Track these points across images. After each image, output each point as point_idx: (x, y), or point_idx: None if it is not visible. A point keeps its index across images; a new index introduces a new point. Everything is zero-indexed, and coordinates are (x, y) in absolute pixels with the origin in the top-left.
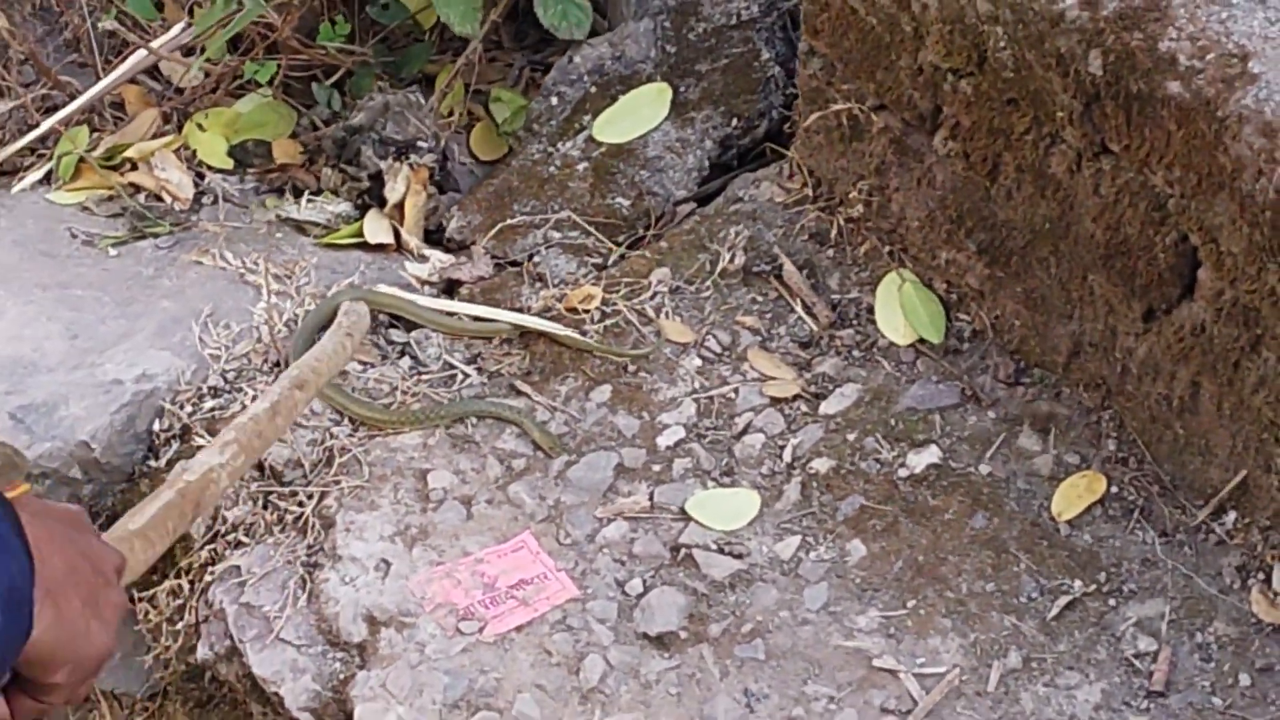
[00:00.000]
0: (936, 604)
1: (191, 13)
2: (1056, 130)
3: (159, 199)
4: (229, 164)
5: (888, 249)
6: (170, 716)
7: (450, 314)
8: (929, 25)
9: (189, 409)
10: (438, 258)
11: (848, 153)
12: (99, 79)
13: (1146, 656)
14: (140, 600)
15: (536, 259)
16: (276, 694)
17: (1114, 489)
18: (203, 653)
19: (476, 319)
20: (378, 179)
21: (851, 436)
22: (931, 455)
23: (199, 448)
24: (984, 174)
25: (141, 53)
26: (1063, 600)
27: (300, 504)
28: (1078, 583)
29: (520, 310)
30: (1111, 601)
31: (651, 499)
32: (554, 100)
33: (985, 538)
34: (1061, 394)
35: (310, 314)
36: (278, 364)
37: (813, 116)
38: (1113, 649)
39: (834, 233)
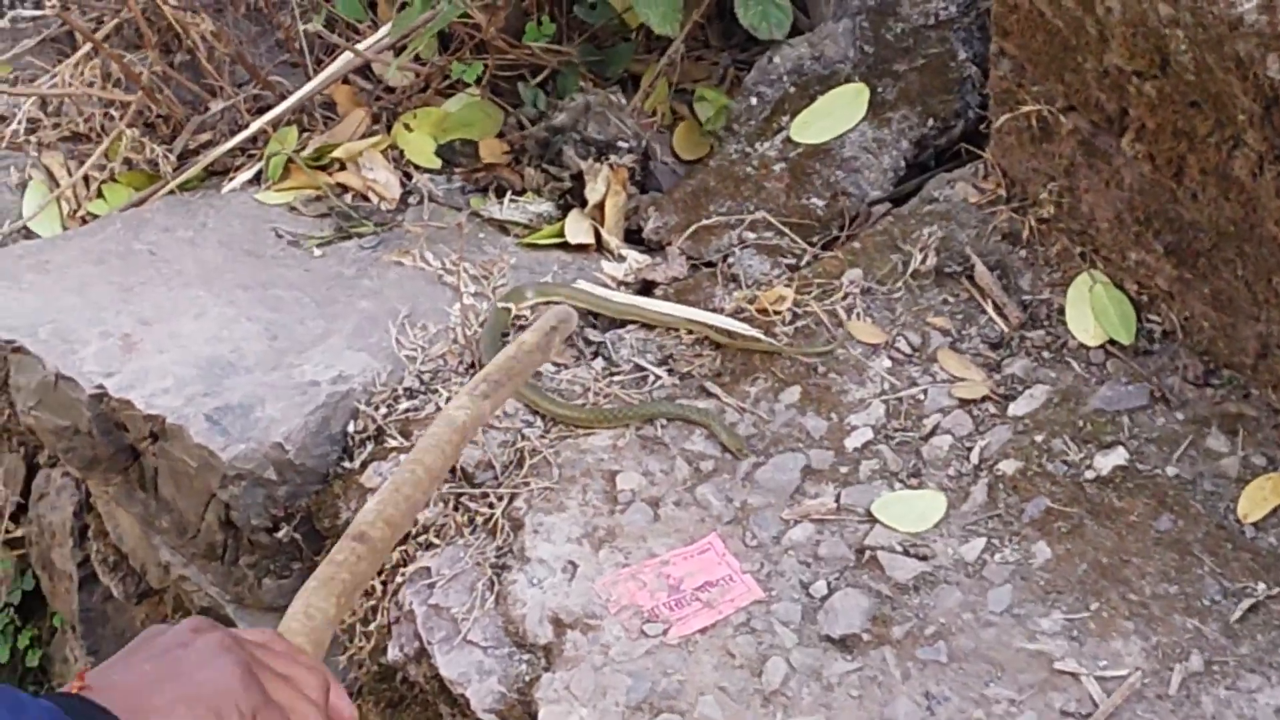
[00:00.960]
0: (1119, 606)
1: (401, 12)
2: (1238, 133)
3: (365, 199)
4: (436, 163)
5: (1079, 250)
6: (364, 715)
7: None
8: (1113, 28)
9: (384, 410)
10: (634, 258)
11: (1038, 154)
12: (309, 79)
13: None
14: None
15: (731, 259)
16: (463, 695)
17: None
18: (393, 654)
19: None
20: (579, 179)
21: (1039, 438)
22: (1119, 457)
23: (392, 449)
24: (1169, 176)
25: (349, 54)
26: (1246, 603)
27: (490, 505)
28: (1261, 585)
29: (715, 311)
30: None
31: (838, 501)
32: (754, 100)
33: (1170, 540)
34: (1250, 395)
35: (493, 312)
36: (472, 365)
37: (1004, 117)
38: None
39: (1026, 233)
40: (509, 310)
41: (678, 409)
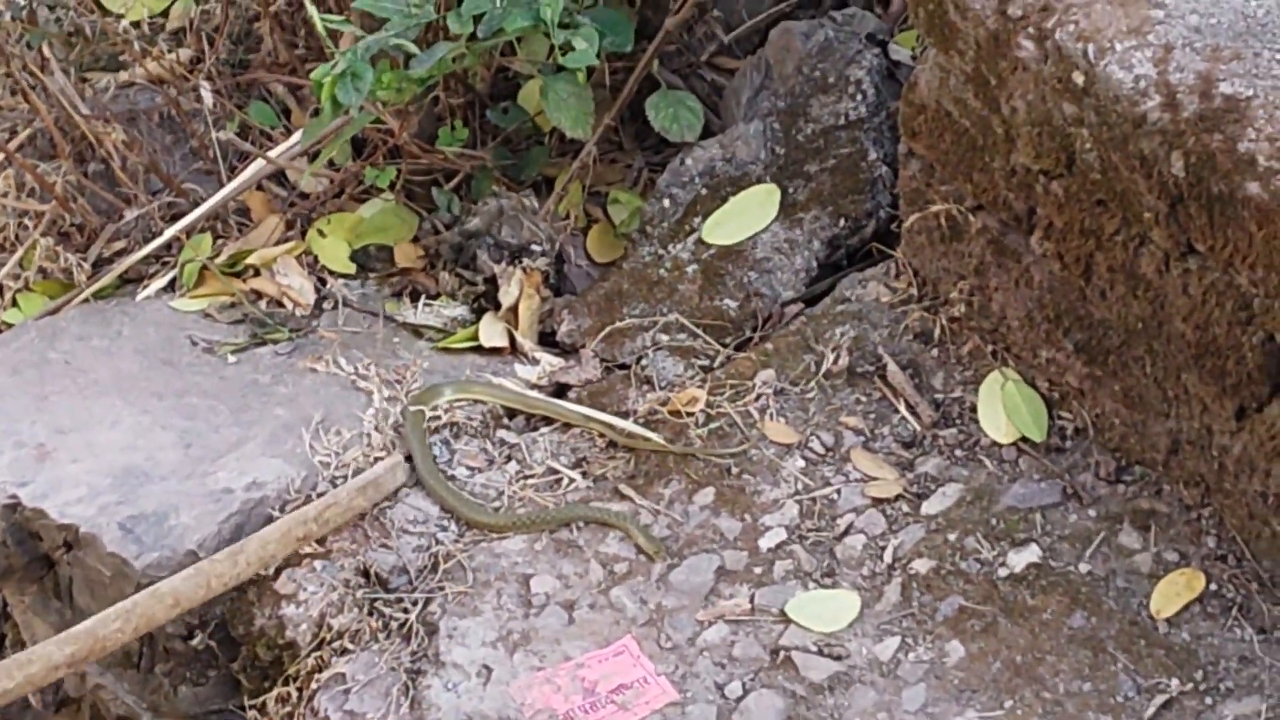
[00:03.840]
0: (1034, 705)
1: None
2: (1144, 231)
3: (280, 305)
4: (351, 269)
5: (990, 348)
6: None
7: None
8: (1019, 127)
9: None
10: (548, 360)
11: (949, 253)
12: (223, 186)
13: None
14: (250, 708)
15: (644, 362)
16: None
17: (1213, 586)
18: None
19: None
20: (493, 282)
21: (952, 536)
22: (1032, 554)
23: (306, 556)
24: (1078, 274)
25: (262, 160)
26: (1160, 699)
27: (405, 610)
28: (1175, 681)
29: (626, 414)
30: (1209, 700)
31: (752, 601)
32: (666, 202)
33: (1083, 637)
34: (1162, 491)
35: (410, 416)
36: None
37: (914, 217)
38: None
39: (937, 332)
40: (422, 413)
41: (593, 512)
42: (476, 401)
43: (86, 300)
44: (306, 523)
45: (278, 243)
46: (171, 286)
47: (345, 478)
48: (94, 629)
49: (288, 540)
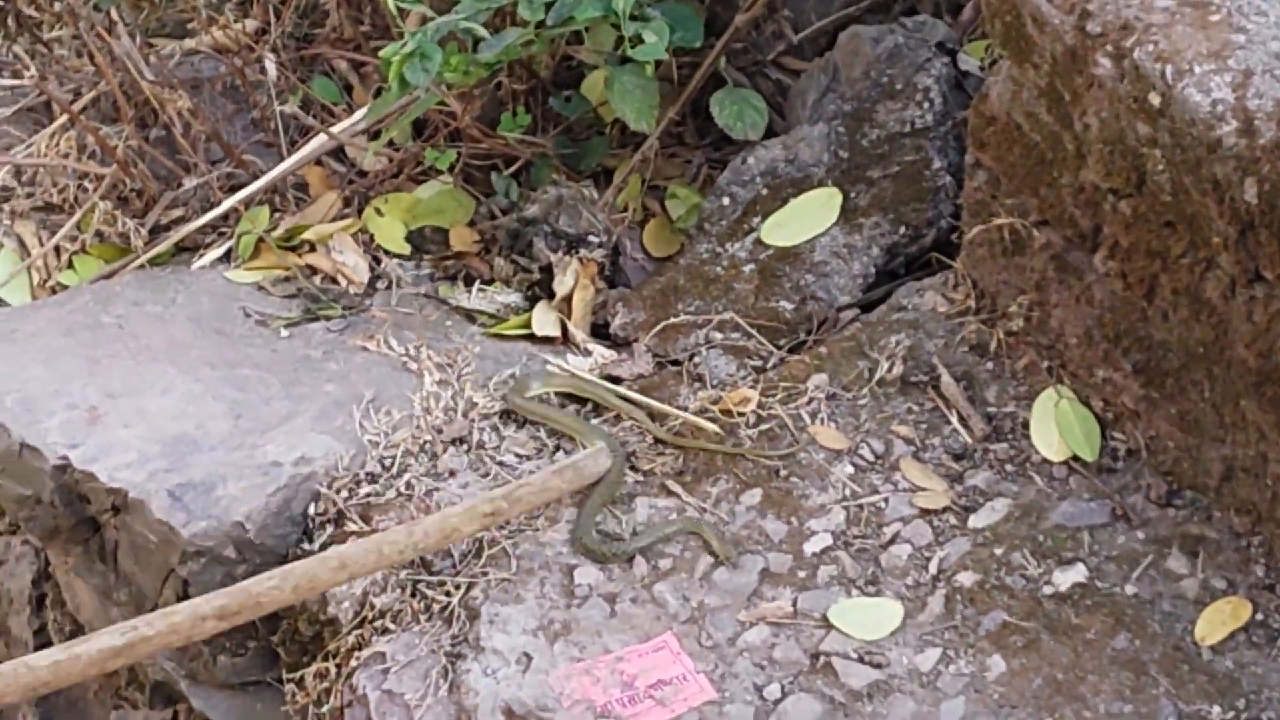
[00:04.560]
0: None
1: (377, 96)
2: (1212, 255)
3: (334, 281)
4: (406, 249)
5: (1046, 364)
6: None
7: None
8: (1090, 145)
9: (345, 494)
10: (600, 353)
11: (1010, 266)
12: (283, 160)
13: None
14: (288, 682)
15: (697, 359)
16: None
17: (1259, 615)
18: None
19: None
20: (548, 271)
21: (999, 551)
22: (1078, 574)
23: (352, 533)
24: (1141, 295)
25: (323, 136)
26: None
27: (448, 594)
28: (1216, 708)
29: (681, 409)
30: None
31: (795, 605)
32: (725, 200)
33: (1126, 659)
34: (1212, 517)
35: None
36: (435, 454)
37: (976, 229)
38: None
39: (994, 345)
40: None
41: (674, 527)
42: (559, 394)
43: (142, 266)
44: (494, 500)
45: (334, 219)
46: (227, 257)
47: (394, 458)
48: (249, 585)
49: (472, 516)
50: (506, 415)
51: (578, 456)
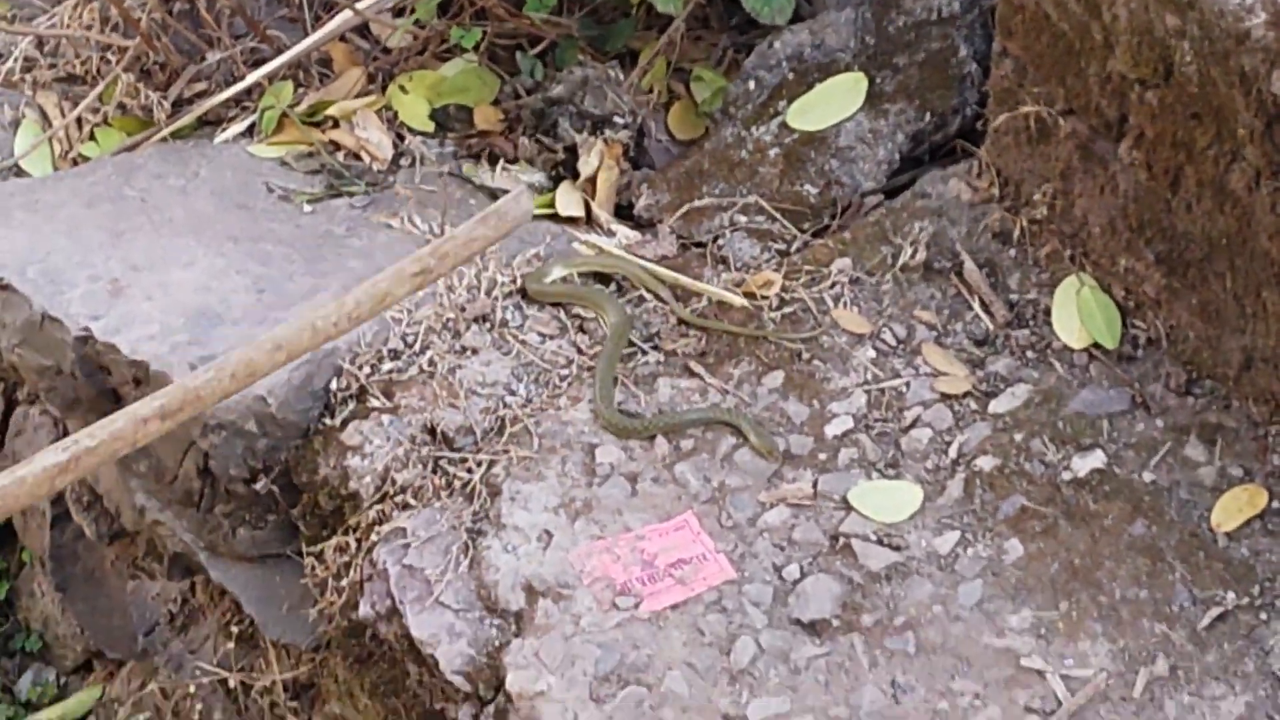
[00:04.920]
0: (1089, 608)
1: None
2: (1238, 147)
3: (358, 158)
4: (430, 127)
5: (1069, 252)
6: (331, 669)
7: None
8: (1118, 35)
9: (367, 370)
10: (624, 233)
11: (1035, 155)
12: (307, 35)
13: None
14: (308, 555)
15: (721, 241)
16: (432, 656)
17: (1275, 503)
18: (364, 610)
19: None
20: (573, 151)
21: (1018, 436)
22: (1096, 460)
23: (374, 409)
24: (1165, 185)
25: (348, 12)
26: (1215, 611)
27: (469, 470)
28: (1231, 595)
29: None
30: (1264, 615)
31: (815, 487)
32: (751, 84)
33: (1143, 545)
34: (1231, 406)
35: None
36: (458, 332)
37: (1002, 117)
38: (1261, 662)
39: (1017, 233)
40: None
41: (704, 413)
42: (582, 274)
43: (164, 139)
44: (421, 259)
45: (358, 96)
46: (250, 132)
47: (417, 335)
48: (186, 382)
49: (401, 279)
50: (527, 295)
51: (500, 203)
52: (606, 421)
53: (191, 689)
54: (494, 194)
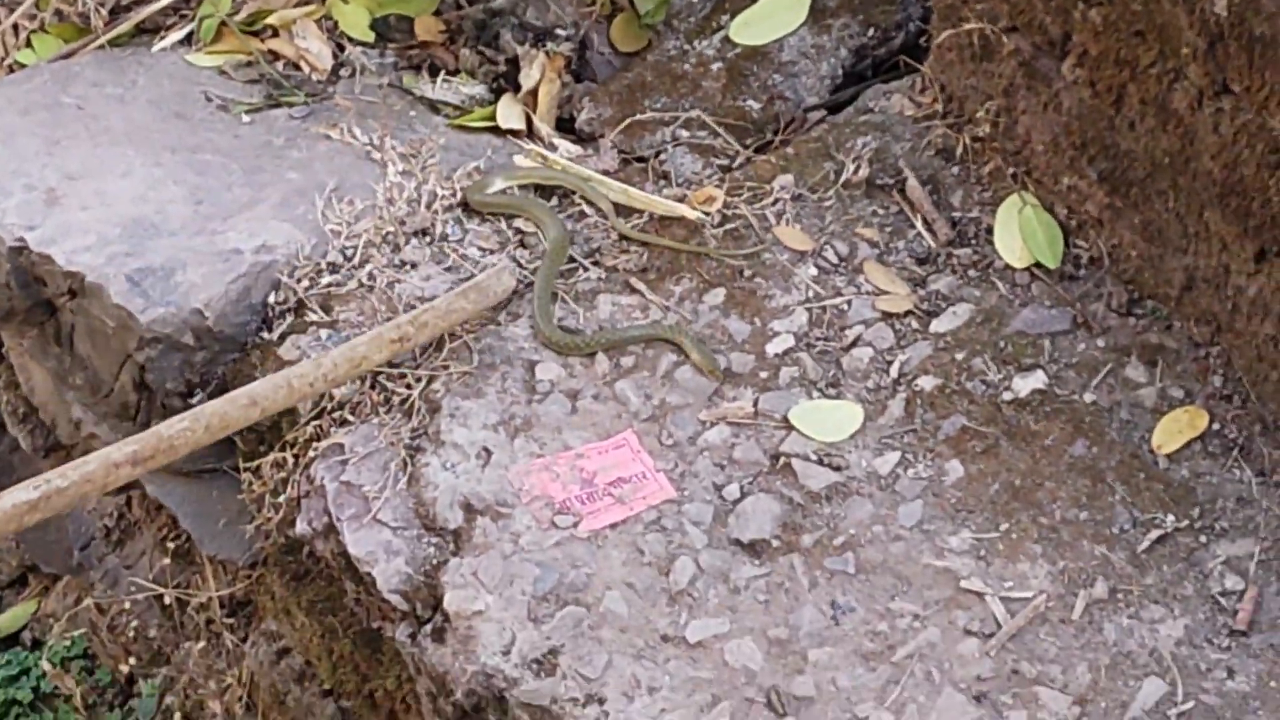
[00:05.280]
0: (1029, 529)
1: None
2: (1180, 66)
3: (297, 68)
4: (370, 37)
5: (1011, 170)
6: (268, 586)
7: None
8: None
9: (305, 284)
10: (566, 147)
11: (978, 72)
12: None
13: (1233, 595)
14: (245, 471)
15: (663, 156)
16: (369, 574)
17: (1216, 425)
18: (301, 527)
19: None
20: (514, 64)
21: (959, 356)
22: (1037, 380)
23: (312, 323)
24: (1109, 103)
25: None
26: (1154, 534)
27: (408, 386)
28: (1171, 517)
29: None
30: (1203, 538)
31: (756, 406)
32: None
33: (1083, 466)
34: (1172, 327)
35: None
36: (397, 246)
37: (945, 33)
38: (1200, 585)
39: (960, 150)
40: (567, 240)
41: (646, 330)
42: (523, 186)
43: (101, 47)
44: (401, 326)
45: (298, 4)
46: (188, 40)
47: (356, 249)
48: (160, 430)
49: (379, 344)
50: (467, 207)
51: (481, 278)
52: (546, 338)
53: (127, 605)
54: (434, 105)
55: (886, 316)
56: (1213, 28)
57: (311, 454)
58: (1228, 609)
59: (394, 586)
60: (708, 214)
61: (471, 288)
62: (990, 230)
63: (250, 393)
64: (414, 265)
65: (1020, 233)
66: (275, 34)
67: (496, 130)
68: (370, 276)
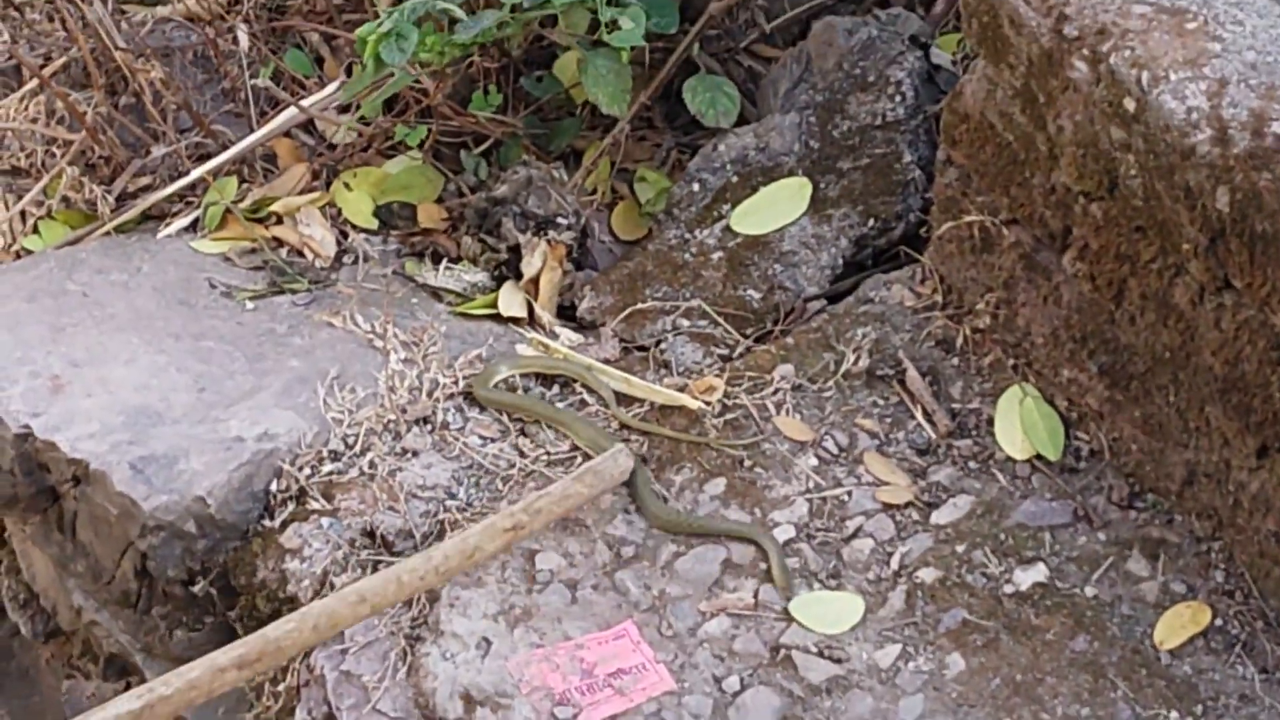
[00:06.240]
0: None
1: (349, 71)
2: (1182, 261)
3: (301, 255)
4: (373, 224)
5: (1011, 362)
6: None
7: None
8: (1063, 146)
9: (307, 471)
10: (567, 336)
11: (978, 263)
12: (252, 131)
13: None
14: None
15: (664, 345)
16: None
17: (1218, 621)
18: (300, 717)
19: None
20: (516, 251)
21: (960, 548)
22: (1039, 573)
23: (314, 511)
24: (1109, 297)
25: (293, 108)
26: None
27: None
28: (1174, 713)
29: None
30: None
31: (756, 597)
32: (695, 186)
33: (1085, 661)
34: (1174, 521)
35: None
36: (399, 434)
37: (946, 225)
38: None
39: (960, 341)
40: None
41: (734, 526)
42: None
43: (108, 233)
44: (514, 515)
45: (302, 192)
46: (193, 227)
47: (357, 436)
48: (267, 632)
49: (492, 534)
50: (470, 397)
51: (597, 461)
52: (654, 516)
53: None
54: (436, 292)
55: (887, 508)
56: (1214, 224)
57: None
58: None
59: None
60: (709, 404)
61: (587, 471)
62: (991, 421)
63: (359, 590)
64: (415, 453)
65: (1021, 424)
66: (280, 221)
67: (498, 318)
68: (371, 465)
